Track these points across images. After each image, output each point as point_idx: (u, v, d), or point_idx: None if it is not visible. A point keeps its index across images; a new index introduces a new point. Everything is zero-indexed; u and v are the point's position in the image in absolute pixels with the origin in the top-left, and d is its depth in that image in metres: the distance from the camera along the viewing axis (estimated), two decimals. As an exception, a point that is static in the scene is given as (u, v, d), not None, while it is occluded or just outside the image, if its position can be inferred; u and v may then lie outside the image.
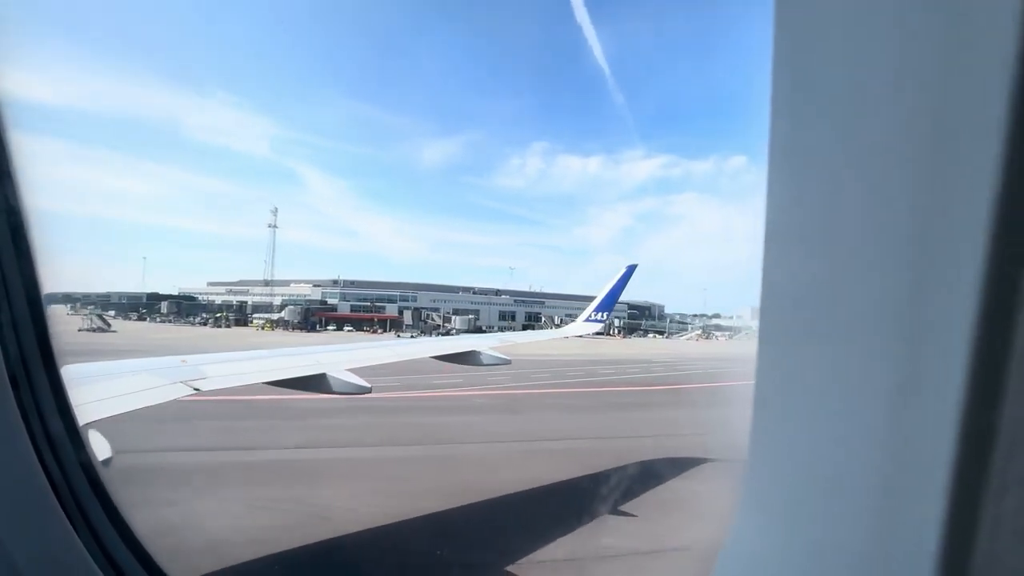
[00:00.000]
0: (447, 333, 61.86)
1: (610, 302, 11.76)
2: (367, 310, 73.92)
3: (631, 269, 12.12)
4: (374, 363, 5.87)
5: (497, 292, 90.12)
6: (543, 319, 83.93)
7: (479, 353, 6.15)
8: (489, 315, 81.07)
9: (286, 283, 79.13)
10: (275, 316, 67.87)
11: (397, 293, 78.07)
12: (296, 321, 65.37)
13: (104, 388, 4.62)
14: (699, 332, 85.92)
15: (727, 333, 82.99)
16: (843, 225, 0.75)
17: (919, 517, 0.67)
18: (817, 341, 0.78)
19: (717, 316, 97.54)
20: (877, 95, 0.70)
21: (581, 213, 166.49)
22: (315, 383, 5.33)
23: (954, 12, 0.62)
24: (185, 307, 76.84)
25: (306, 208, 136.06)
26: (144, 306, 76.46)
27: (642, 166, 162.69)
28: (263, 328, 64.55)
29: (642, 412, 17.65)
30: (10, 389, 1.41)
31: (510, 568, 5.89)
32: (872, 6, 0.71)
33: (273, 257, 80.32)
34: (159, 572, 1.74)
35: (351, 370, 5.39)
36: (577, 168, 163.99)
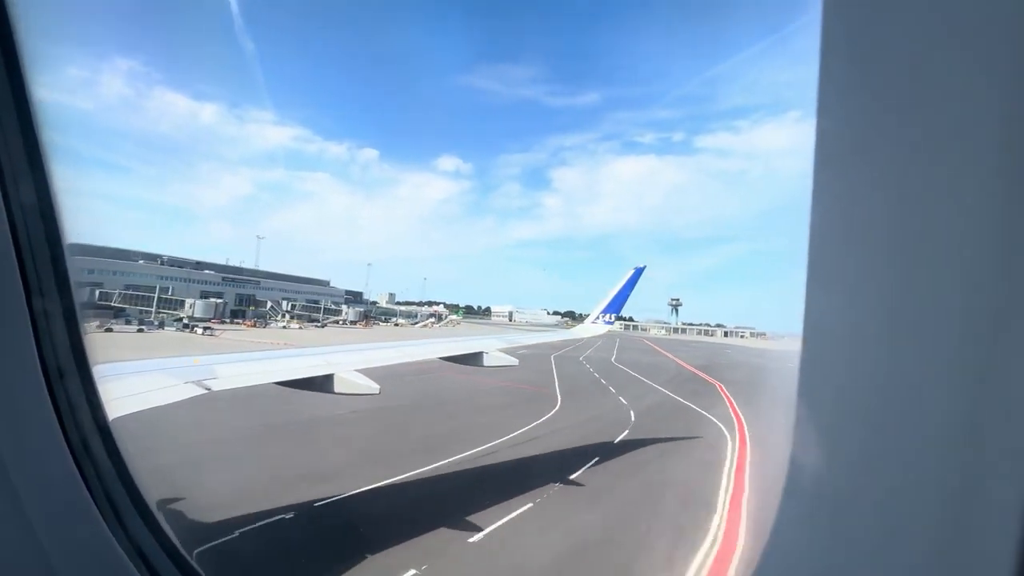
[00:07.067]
0: (190, 325, 44.55)
1: (618, 303, 11.74)
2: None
3: (639, 272, 11.96)
4: (385, 364, 5.86)
5: (197, 264, 65.51)
6: (269, 304, 64.83)
7: (485, 355, 6.44)
8: (188, 296, 57.80)
9: None
10: None
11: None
12: None
13: (118, 387, 3.98)
14: (432, 320, 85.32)
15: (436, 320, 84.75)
16: (908, 225, 0.69)
17: (990, 543, 0.61)
18: (873, 345, 0.72)
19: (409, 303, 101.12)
20: (933, 94, 0.66)
21: (190, 168, 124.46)
22: (324, 384, 5.24)
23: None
24: None
25: None
26: None
27: (273, 132, 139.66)
28: None
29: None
30: (46, 389, 1.41)
31: None
32: (926, 5, 0.66)
33: None
34: (190, 569, 1.74)
35: (360, 371, 5.46)
36: (184, 109, 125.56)
